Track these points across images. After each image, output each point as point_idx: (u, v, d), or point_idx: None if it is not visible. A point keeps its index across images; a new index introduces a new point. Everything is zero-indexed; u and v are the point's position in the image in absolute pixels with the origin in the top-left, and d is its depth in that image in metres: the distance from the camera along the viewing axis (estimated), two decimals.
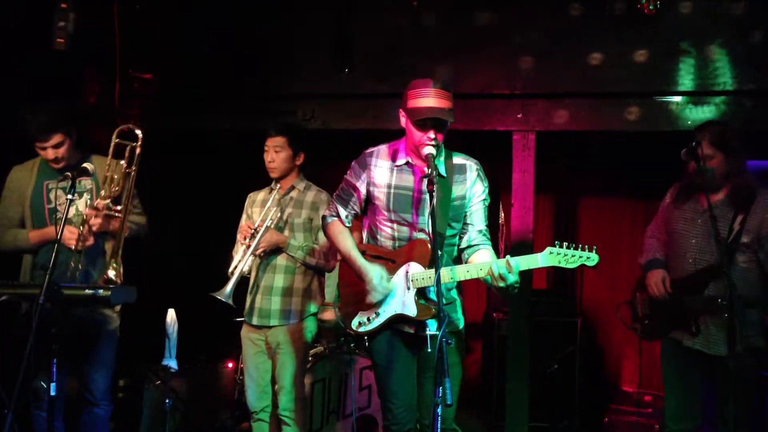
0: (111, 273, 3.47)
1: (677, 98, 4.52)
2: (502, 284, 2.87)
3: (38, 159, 3.66)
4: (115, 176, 3.62)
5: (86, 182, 3.66)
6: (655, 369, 3.75)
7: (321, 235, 3.81)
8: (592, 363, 5.89)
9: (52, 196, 3.63)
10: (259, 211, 3.93)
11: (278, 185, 3.95)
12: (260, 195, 4.04)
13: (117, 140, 3.66)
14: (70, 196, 3.15)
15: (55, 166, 3.59)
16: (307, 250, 3.83)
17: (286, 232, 3.86)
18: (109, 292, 3.10)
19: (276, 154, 3.86)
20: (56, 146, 3.54)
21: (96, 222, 3.52)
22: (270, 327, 3.83)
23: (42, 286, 2.92)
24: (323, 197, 3.93)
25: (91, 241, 3.54)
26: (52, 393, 3.06)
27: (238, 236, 3.82)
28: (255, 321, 3.84)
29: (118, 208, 3.57)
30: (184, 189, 4.07)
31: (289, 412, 3.80)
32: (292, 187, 3.95)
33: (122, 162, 3.64)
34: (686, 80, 4.47)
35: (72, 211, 3.57)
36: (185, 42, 4.91)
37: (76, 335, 3.50)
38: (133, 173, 3.64)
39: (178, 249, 4.05)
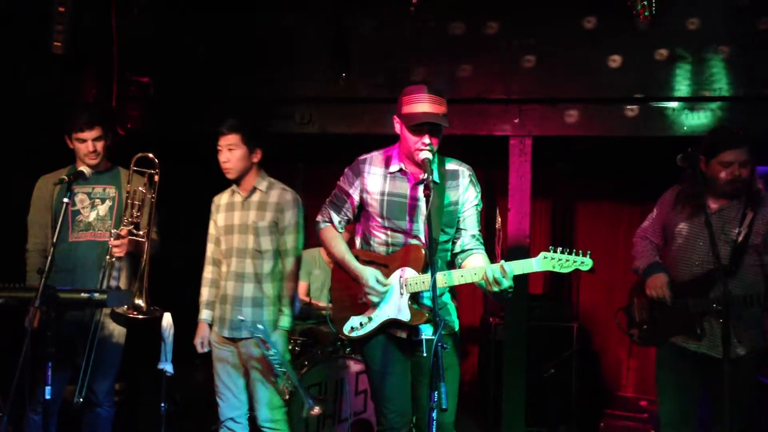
0: (138, 301, 3.58)
1: (674, 104, 4.54)
2: (496, 289, 2.88)
3: (65, 169, 3.78)
4: (137, 202, 3.75)
5: (110, 190, 3.82)
6: (651, 374, 3.74)
7: (288, 238, 3.71)
8: (588, 368, 5.89)
9: (77, 199, 3.77)
10: (224, 216, 3.79)
11: (239, 188, 3.78)
12: (224, 198, 3.86)
13: (135, 168, 3.78)
14: (65, 200, 3.19)
15: (90, 162, 3.72)
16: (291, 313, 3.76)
17: (251, 237, 3.70)
18: (105, 296, 3.11)
19: (230, 152, 3.66)
20: (96, 139, 3.71)
21: (121, 249, 3.66)
22: (242, 339, 3.71)
23: (38, 289, 2.94)
24: (288, 197, 3.74)
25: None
26: (47, 396, 3.05)
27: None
28: (227, 333, 3.72)
29: (141, 232, 3.71)
30: (180, 192, 4.06)
31: (270, 423, 3.70)
32: (254, 189, 3.75)
33: (142, 189, 3.76)
34: (682, 86, 4.49)
35: (93, 215, 3.78)
36: (182, 45, 4.92)
37: (82, 340, 3.65)
38: (153, 199, 3.76)
39: (174, 253, 4.04)
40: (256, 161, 3.75)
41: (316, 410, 3.80)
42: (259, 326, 3.58)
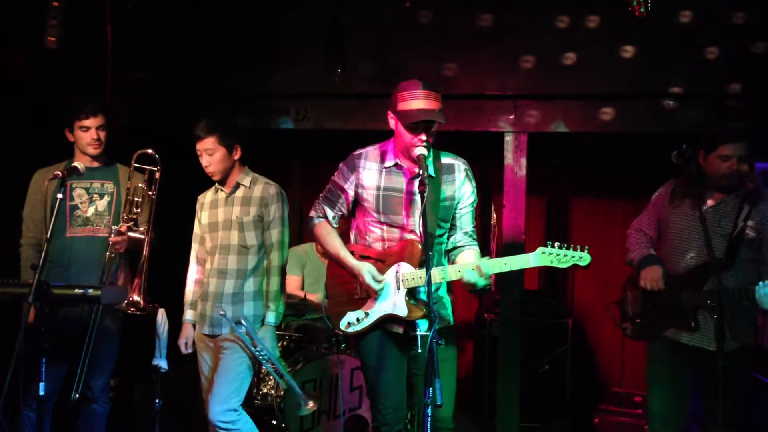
0: (136, 297, 3.60)
1: (669, 100, 4.54)
2: (470, 288, 2.92)
3: (62, 163, 3.75)
4: (137, 199, 3.77)
5: (108, 186, 3.83)
6: (645, 369, 3.75)
7: (273, 232, 3.65)
8: (583, 364, 5.91)
9: (75, 194, 3.78)
10: (209, 214, 3.74)
11: (222, 185, 3.71)
12: (208, 196, 3.80)
13: (135, 164, 3.80)
14: (59, 195, 3.18)
15: (92, 152, 3.75)
16: (279, 307, 3.70)
17: (235, 233, 3.64)
18: (99, 292, 3.10)
19: (210, 156, 3.58)
20: (99, 128, 3.74)
21: (121, 246, 3.69)
22: (221, 335, 3.65)
23: (31, 285, 2.93)
24: (272, 191, 3.68)
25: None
26: (41, 393, 3.05)
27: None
28: (207, 330, 3.67)
29: (141, 229, 3.74)
30: (175, 189, 4.05)
31: (223, 423, 3.52)
32: (238, 185, 3.69)
33: (142, 185, 3.78)
34: (678, 82, 4.49)
35: (91, 210, 3.78)
36: (177, 40, 4.90)
37: (79, 336, 3.65)
38: (154, 196, 3.78)
39: (169, 249, 4.04)
40: (237, 158, 3.68)
41: (311, 405, 3.78)
42: (242, 321, 3.54)
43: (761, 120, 4.41)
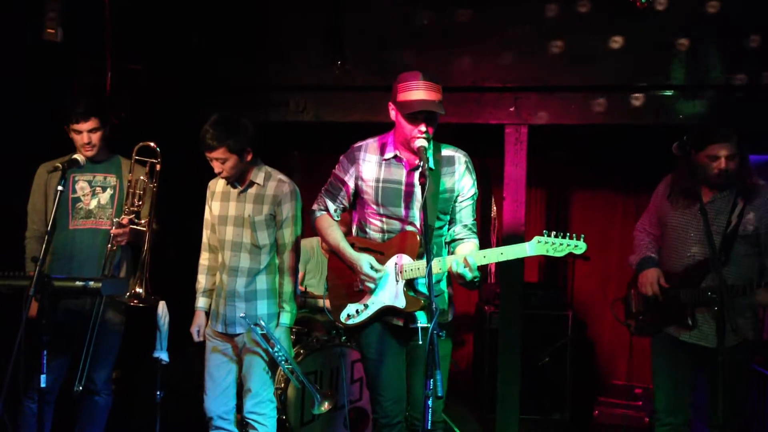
0: (138, 289, 3.64)
1: (669, 92, 4.54)
2: (460, 281, 2.93)
3: (66, 157, 3.73)
4: (138, 192, 3.78)
5: (111, 179, 3.85)
6: (645, 362, 3.77)
7: (286, 232, 3.60)
8: (582, 356, 5.92)
9: (77, 186, 3.80)
10: (219, 205, 3.67)
11: (236, 182, 3.62)
12: (219, 186, 3.70)
13: (136, 156, 3.81)
14: (60, 188, 3.19)
15: (87, 153, 3.73)
16: (293, 309, 3.67)
17: (248, 232, 3.58)
18: (100, 284, 3.11)
19: (222, 164, 3.47)
20: (92, 131, 3.71)
21: (123, 238, 3.70)
22: (238, 334, 3.64)
23: (32, 277, 2.95)
24: (285, 189, 3.58)
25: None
26: (42, 385, 3.06)
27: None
28: (220, 328, 3.65)
29: (142, 221, 3.76)
30: (174, 181, 4.05)
31: (256, 416, 3.59)
32: (252, 183, 3.60)
33: (143, 178, 3.79)
34: (678, 74, 4.48)
35: (94, 203, 3.80)
36: (176, 33, 4.89)
37: (82, 328, 3.68)
38: (155, 188, 3.79)
39: (168, 241, 4.04)
40: (250, 159, 3.56)
41: (326, 405, 3.78)
42: (261, 322, 3.54)
43: (759, 111, 4.41)
